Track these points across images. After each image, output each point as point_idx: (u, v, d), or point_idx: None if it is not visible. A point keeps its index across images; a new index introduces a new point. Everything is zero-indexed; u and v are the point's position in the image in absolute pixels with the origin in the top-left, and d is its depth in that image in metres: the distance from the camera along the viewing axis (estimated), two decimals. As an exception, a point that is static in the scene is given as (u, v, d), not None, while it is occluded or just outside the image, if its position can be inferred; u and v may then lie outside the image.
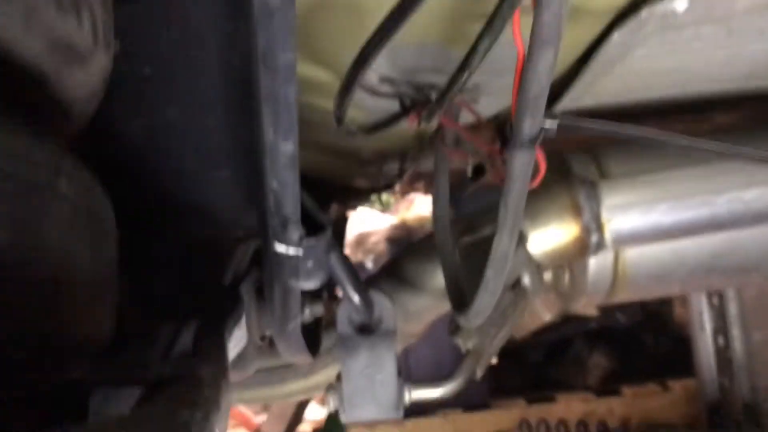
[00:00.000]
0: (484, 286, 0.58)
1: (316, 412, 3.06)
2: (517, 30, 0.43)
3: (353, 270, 0.72)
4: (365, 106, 0.88)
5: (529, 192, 0.52)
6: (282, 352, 0.83)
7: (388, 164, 1.46)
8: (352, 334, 0.77)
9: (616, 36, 0.65)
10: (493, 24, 0.52)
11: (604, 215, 0.79)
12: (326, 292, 0.85)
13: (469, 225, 0.87)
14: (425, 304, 0.92)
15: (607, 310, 2.88)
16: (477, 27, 0.57)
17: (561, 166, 1.04)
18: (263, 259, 0.78)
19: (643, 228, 0.79)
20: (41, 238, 0.36)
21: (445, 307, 0.93)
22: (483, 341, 0.73)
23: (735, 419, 2.25)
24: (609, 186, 0.81)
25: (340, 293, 0.82)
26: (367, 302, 0.74)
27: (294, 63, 0.41)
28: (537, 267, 0.78)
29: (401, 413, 0.79)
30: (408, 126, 0.75)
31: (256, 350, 0.89)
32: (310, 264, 0.58)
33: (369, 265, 2.60)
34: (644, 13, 0.62)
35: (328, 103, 0.67)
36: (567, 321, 2.92)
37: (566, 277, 1.10)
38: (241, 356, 0.84)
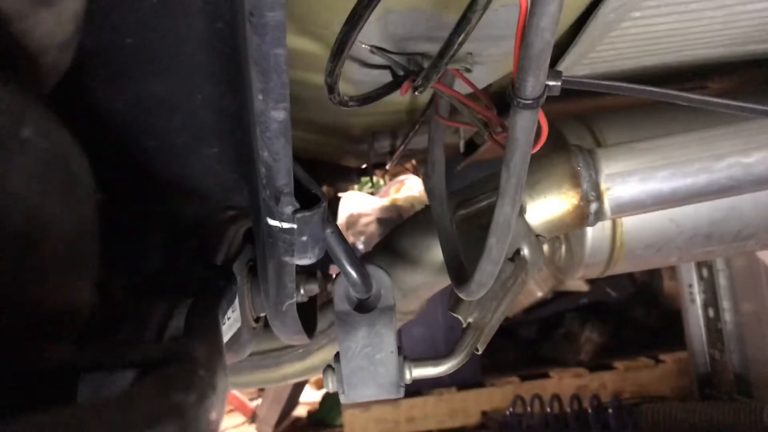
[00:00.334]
0: (486, 256, 0.57)
1: (311, 395, 3.06)
2: (519, -19, 0.41)
3: (348, 245, 0.70)
4: (355, 79, 0.86)
5: (525, 161, 0.50)
6: (277, 333, 0.82)
7: (379, 141, 1.44)
8: (350, 311, 0.75)
9: (615, -4, 0.63)
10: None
11: (603, 184, 0.78)
12: (320, 272, 0.84)
13: (463, 198, 0.85)
14: (423, 279, 0.91)
15: (597, 285, 2.90)
16: (471, -12, 0.55)
17: (556, 135, 1.02)
18: (256, 237, 0.76)
19: (643, 196, 0.77)
20: (1, 188, 0.33)
21: (442, 282, 0.91)
22: (484, 315, 0.72)
23: (726, 390, 2.27)
24: (607, 154, 0.79)
25: (334, 272, 0.80)
26: (364, 278, 0.72)
27: (283, 22, 0.38)
28: (536, 237, 0.76)
29: (402, 392, 0.78)
30: (401, 97, 0.73)
31: (250, 332, 0.87)
32: (304, 238, 0.56)
33: (360, 246, 2.59)
34: (643, -30, 0.60)
35: (319, 78, 0.65)
36: (558, 297, 2.94)
37: (563, 249, 1.10)
38: (234, 339, 0.83)
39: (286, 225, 0.54)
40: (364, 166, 1.83)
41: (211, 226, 0.78)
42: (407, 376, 0.78)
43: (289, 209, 0.53)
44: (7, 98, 0.35)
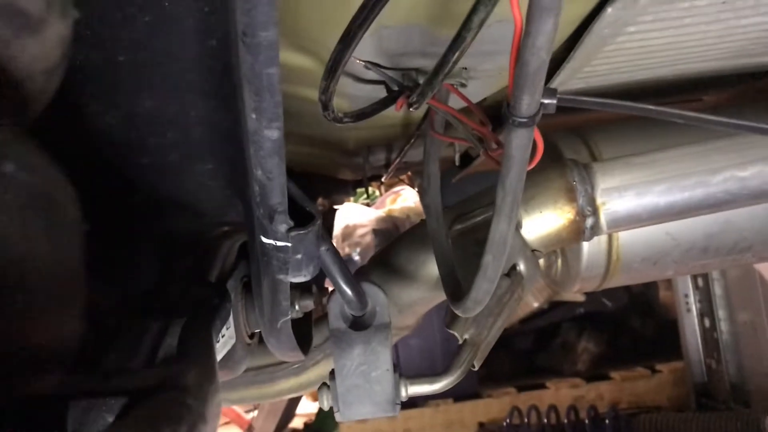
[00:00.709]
0: (482, 273, 0.56)
1: (307, 407, 3.04)
2: None
3: (344, 262, 0.69)
4: (349, 94, 0.85)
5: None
6: (272, 349, 0.81)
7: (374, 155, 1.44)
8: (345, 329, 0.74)
9: (610, 11, 0.63)
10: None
11: (599, 198, 0.77)
12: (315, 286, 0.83)
13: (459, 213, 0.85)
14: (419, 295, 0.90)
15: (593, 296, 2.90)
16: (465, 6, 0.54)
17: (551, 149, 1.02)
18: (250, 254, 0.75)
19: (639, 210, 0.77)
20: None
21: (438, 297, 0.91)
22: (480, 331, 0.71)
23: (723, 400, 2.27)
24: (603, 168, 0.79)
25: (329, 285, 0.80)
26: (359, 295, 0.71)
27: (276, 40, 0.38)
28: (532, 252, 0.76)
29: (398, 410, 0.77)
30: (395, 112, 0.72)
31: (244, 349, 0.86)
32: (299, 256, 0.55)
33: (356, 258, 2.58)
34: (639, -14, 0.60)
35: (313, 93, 0.64)
36: (554, 307, 2.94)
37: (559, 263, 1.09)
38: (229, 356, 0.82)
39: (280, 243, 0.54)
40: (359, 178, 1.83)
41: (205, 242, 0.77)
42: (403, 393, 0.77)
43: (283, 227, 0.53)
44: None
